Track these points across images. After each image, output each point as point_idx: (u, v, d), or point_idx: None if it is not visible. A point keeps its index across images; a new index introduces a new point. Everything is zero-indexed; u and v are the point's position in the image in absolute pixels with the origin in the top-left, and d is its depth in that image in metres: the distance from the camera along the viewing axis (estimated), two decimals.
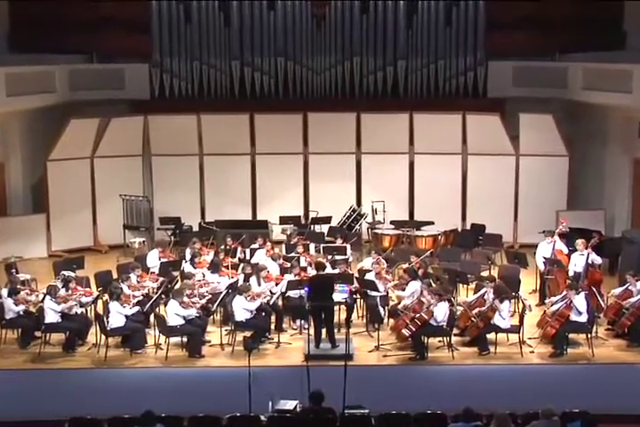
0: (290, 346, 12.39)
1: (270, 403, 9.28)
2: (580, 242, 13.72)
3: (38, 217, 17.61)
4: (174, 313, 12.01)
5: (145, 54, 18.55)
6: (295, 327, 13.08)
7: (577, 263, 13.61)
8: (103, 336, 12.10)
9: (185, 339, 12.20)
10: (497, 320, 12.04)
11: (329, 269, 13.51)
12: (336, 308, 12.76)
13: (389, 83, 18.65)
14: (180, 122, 18.25)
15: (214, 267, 13.68)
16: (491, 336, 12.13)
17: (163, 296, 13.41)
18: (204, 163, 18.59)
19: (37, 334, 12.38)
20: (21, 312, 12.35)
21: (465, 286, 14.14)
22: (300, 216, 18.05)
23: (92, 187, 18.11)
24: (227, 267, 13.84)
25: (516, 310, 13.20)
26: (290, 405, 9.29)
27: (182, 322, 12.04)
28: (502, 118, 17.91)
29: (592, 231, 15.36)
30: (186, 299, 12.23)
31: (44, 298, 12.34)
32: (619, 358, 11.89)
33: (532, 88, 18.15)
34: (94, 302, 12.83)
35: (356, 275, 13.61)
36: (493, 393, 10.41)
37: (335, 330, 12.35)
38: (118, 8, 18.45)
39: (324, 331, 12.15)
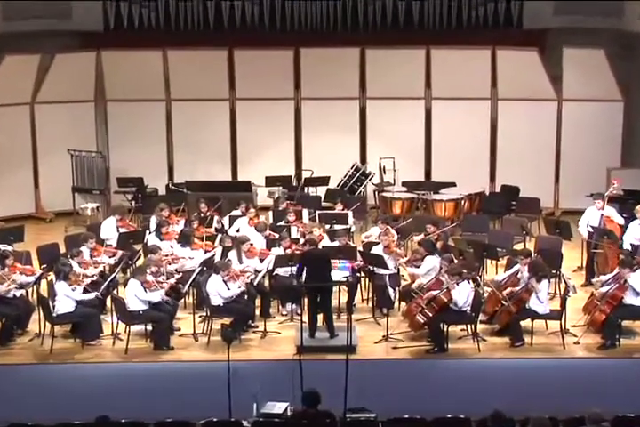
0: (279, 336, 12.40)
1: (255, 405, 9.29)
2: None
3: None
4: (136, 296, 11.98)
5: None
6: (285, 313, 13.09)
7: (634, 234, 13.58)
8: (48, 324, 12.08)
9: (149, 327, 12.18)
10: (533, 304, 12.04)
11: (326, 242, 13.49)
12: (335, 289, 12.76)
13: (401, 11, 18.46)
14: (141, 59, 18.12)
15: (185, 239, 13.65)
16: (525, 324, 12.13)
17: (122, 275, 13.37)
18: (172, 110, 18.51)
19: None
20: None
21: (494, 261, 14.14)
22: (290, 176, 18.02)
23: (32, 140, 18.05)
24: (200, 239, 13.81)
25: (557, 291, 13.21)
26: (279, 408, 9.30)
27: (146, 307, 12.03)
28: (541, 54, 17.80)
29: None
30: (150, 278, 12.20)
31: None
32: None
33: (579, 17, 17.96)
34: (37, 282, 12.79)
35: (360, 249, 13.58)
36: (529, 393, 10.41)
37: (334, 316, 12.34)
38: None
39: (320, 317, 12.14)
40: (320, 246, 12.81)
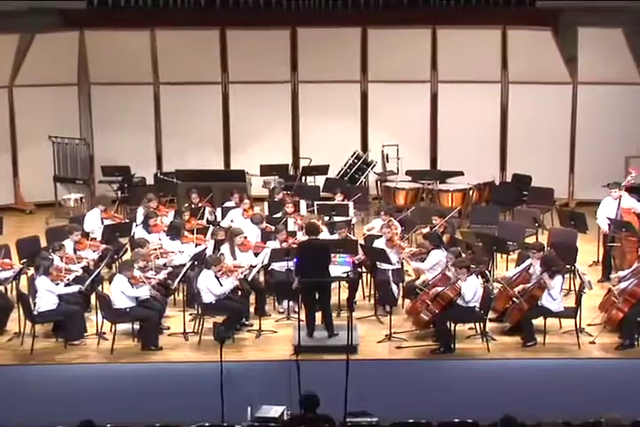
0: (274, 335, 12.41)
1: (249, 409, 9.30)
2: None
3: None
4: (122, 292, 11.97)
5: None
6: (282, 311, 13.09)
7: None
8: (29, 323, 12.07)
9: (137, 326, 12.18)
10: (546, 301, 12.03)
11: (325, 235, 13.48)
12: (335, 285, 12.75)
13: None
14: (127, 39, 18.10)
15: (175, 231, 13.64)
16: (538, 322, 12.12)
17: (107, 270, 13.35)
18: (161, 94, 18.50)
19: None
20: None
21: (504, 256, 14.14)
22: (287, 165, 18.02)
23: (11, 126, 18.03)
24: (191, 231, 13.81)
25: (572, 287, 13.21)
26: (275, 411, 9.31)
27: (133, 304, 12.02)
28: (555, 34, 17.78)
29: None
30: (137, 273, 12.19)
31: None
32: None
33: None
34: (16, 277, 12.77)
35: (362, 242, 13.58)
36: (541, 396, 10.43)
37: (334, 314, 12.34)
38: None
39: (318, 315, 12.13)
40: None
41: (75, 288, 12.19)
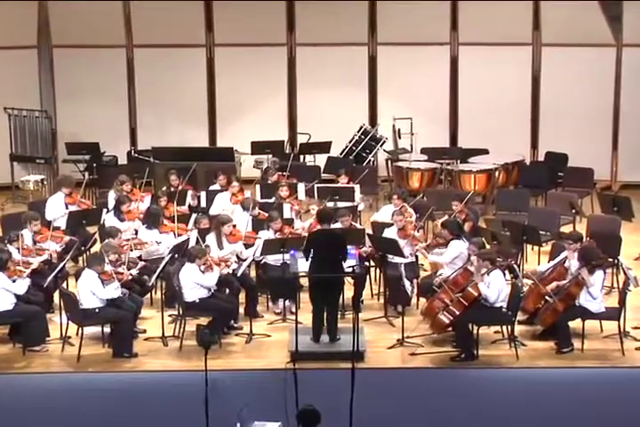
0: (268, 339, 12.44)
1: (238, 426, 9.32)
2: None
3: None
4: (91, 290, 11.99)
5: None
6: (277, 311, 13.11)
7: None
8: None
9: (107, 329, 12.21)
10: (584, 300, 12.06)
11: None
12: None
13: None
14: None
15: (152, 219, 13.67)
16: (575, 325, 12.16)
17: (72, 264, 13.36)
18: (135, 59, 18.55)
19: None
20: None
21: (536, 247, 14.17)
22: (282, 142, 18.04)
23: None
24: (171, 219, 13.83)
25: (615, 284, 13.22)
26: None
27: (103, 304, 12.04)
28: None
29: None
30: (108, 268, 12.20)
31: None
32: None
33: None
34: None
35: (370, 231, 13.60)
36: (579, 409, 10.45)
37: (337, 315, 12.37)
38: None
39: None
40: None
41: (27, 282, 12.11)
